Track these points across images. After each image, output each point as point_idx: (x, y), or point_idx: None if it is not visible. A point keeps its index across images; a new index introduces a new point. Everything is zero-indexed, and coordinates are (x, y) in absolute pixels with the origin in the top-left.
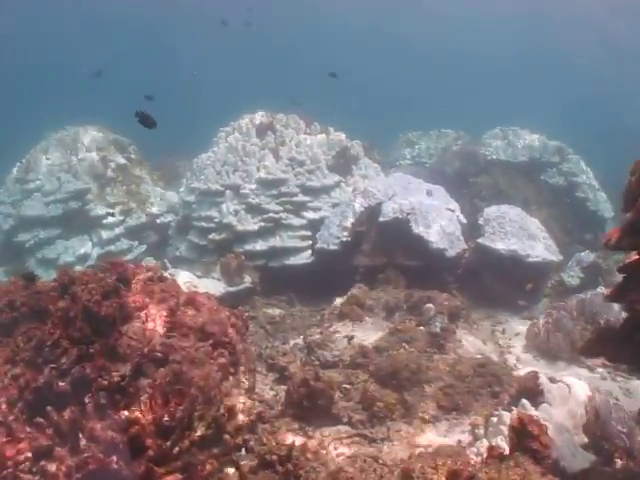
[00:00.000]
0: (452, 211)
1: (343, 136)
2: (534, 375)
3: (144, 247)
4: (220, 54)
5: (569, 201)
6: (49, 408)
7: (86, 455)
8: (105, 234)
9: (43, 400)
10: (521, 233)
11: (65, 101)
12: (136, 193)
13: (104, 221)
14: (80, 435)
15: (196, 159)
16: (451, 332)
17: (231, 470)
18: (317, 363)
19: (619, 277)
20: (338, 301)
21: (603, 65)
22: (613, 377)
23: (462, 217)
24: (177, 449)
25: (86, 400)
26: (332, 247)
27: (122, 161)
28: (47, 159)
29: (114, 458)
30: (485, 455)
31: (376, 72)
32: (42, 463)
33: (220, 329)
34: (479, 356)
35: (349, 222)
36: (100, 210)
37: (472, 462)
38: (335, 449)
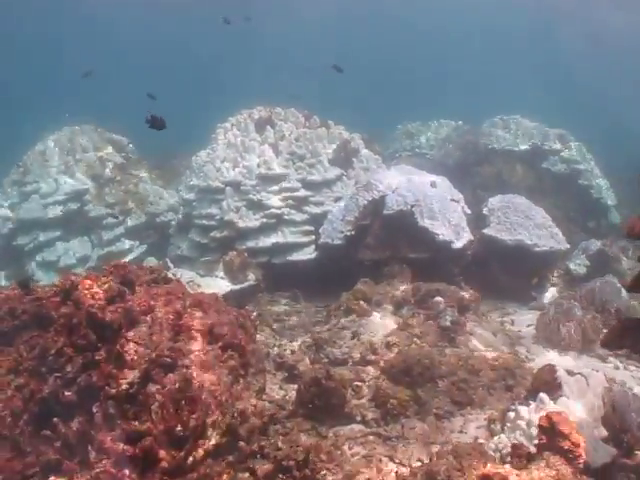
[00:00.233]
0: (457, 202)
1: (343, 129)
2: (551, 368)
3: (145, 247)
4: (219, 50)
5: (572, 189)
6: (56, 420)
7: (98, 470)
8: (105, 235)
9: (49, 411)
10: (527, 222)
11: (61, 101)
12: (135, 192)
13: (104, 222)
14: (89, 447)
15: (195, 156)
16: (462, 325)
17: (246, 475)
18: (326, 361)
19: (625, 264)
20: (344, 296)
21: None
22: (626, 366)
23: (466, 208)
24: (191, 459)
25: (94, 410)
26: (336, 242)
27: (120, 160)
28: (44, 160)
29: (126, 472)
30: (510, 454)
31: (372, 61)
32: (51, 478)
33: (229, 331)
34: (490, 349)
35: (352, 216)
36: (100, 210)
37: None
38: (350, 449)
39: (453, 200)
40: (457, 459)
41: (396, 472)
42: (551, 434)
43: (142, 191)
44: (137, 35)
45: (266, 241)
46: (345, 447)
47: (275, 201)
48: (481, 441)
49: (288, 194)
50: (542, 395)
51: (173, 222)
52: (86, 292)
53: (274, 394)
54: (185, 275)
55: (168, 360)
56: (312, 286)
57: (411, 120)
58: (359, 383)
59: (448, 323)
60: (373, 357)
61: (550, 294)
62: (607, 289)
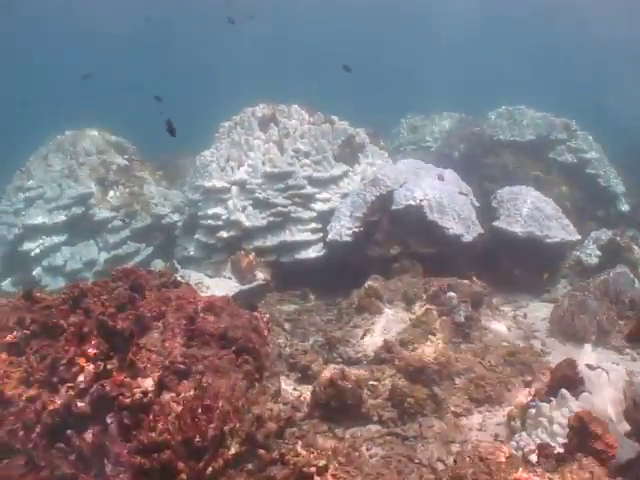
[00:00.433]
0: (465, 195)
1: (347, 124)
2: (571, 362)
3: (151, 249)
4: (219, 49)
5: (580, 178)
6: (69, 432)
7: None
8: (111, 238)
9: (62, 423)
10: (537, 214)
11: (62, 105)
12: (139, 194)
13: (109, 225)
14: (105, 461)
15: (199, 156)
16: (476, 320)
17: None
18: (340, 360)
19: (637, 254)
20: (355, 294)
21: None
22: None
23: (475, 201)
24: (211, 469)
25: (108, 420)
26: (344, 238)
27: (123, 163)
28: (47, 165)
29: None
30: (536, 453)
31: (373, 56)
32: None
33: (243, 334)
34: (506, 344)
35: (360, 212)
36: (105, 214)
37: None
38: (368, 450)
39: (462, 193)
40: (484, 462)
41: (420, 477)
42: (582, 434)
43: (147, 193)
44: (137, 35)
45: (273, 240)
46: (363, 448)
47: (281, 199)
48: (501, 439)
49: (294, 192)
50: (563, 391)
51: (179, 223)
52: (95, 299)
53: (288, 395)
54: (193, 276)
55: (182, 367)
56: (321, 284)
57: (414, 113)
58: (375, 382)
59: (462, 319)
60: (388, 355)
61: (562, 285)
62: (620, 280)
